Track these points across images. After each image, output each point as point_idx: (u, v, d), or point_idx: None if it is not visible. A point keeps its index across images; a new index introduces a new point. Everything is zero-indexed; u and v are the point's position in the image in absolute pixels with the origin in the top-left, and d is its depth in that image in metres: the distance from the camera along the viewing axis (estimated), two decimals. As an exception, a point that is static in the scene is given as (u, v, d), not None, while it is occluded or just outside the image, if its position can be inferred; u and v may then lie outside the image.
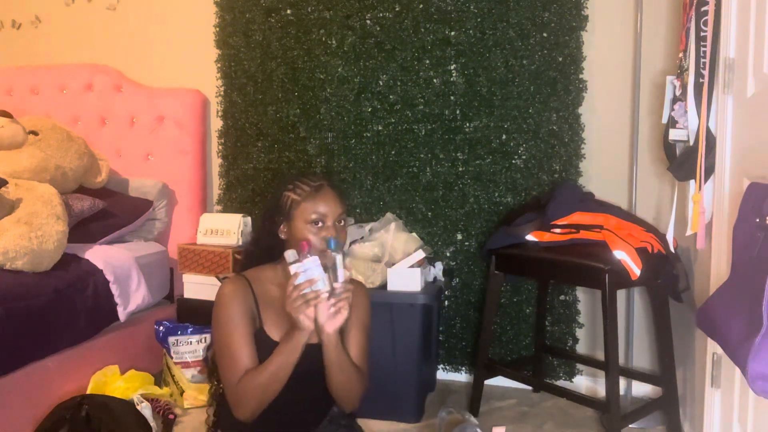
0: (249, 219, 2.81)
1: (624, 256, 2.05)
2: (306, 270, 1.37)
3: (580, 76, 2.57)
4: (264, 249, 1.59)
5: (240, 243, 2.72)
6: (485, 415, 2.43)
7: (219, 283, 2.52)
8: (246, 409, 1.42)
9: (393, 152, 2.78)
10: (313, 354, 1.47)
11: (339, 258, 1.39)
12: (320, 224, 1.48)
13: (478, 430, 1.50)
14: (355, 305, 1.49)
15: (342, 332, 1.49)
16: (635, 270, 2.03)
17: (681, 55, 1.98)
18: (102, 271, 2.46)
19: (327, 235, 1.46)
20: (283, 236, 1.53)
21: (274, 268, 1.57)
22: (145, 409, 2.16)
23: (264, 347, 1.47)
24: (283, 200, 1.52)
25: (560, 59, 2.56)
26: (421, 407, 2.47)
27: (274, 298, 1.52)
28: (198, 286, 2.65)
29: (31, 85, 3.24)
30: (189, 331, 2.55)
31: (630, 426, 2.29)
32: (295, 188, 1.52)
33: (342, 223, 1.52)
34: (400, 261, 2.42)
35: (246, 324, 1.46)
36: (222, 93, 3.02)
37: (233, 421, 1.48)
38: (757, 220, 1.27)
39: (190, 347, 2.53)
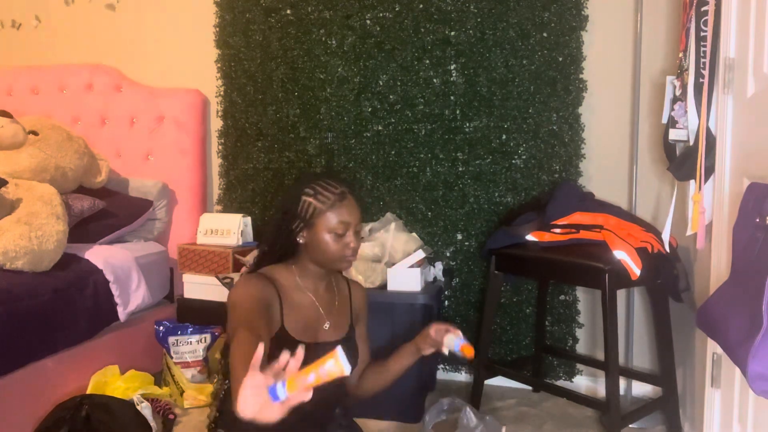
0: (249, 219, 2.81)
1: (624, 256, 2.05)
2: None
3: (580, 76, 2.57)
4: (280, 252, 1.55)
5: (240, 243, 2.72)
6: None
7: (219, 284, 2.54)
8: None
9: (393, 152, 2.78)
10: None
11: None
12: (342, 233, 1.47)
13: (468, 408, 1.52)
14: (360, 307, 1.66)
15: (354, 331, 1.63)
16: (635, 270, 2.03)
17: (681, 55, 1.98)
18: (102, 271, 2.46)
19: (350, 244, 1.47)
20: (301, 241, 1.50)
21: (288, 268, 1.55)
22: (145, 409, 2.16)
23: (288, 347, 1.45)
24: (303, 206, 1.47)
25: (560, 59, 2.56)
26: (420, 407, 2.47)
27: (294, 300, 1.51)
28: (198, 286, 2.66)
29: (31, 85, 3.24)
30: (189, 331, 2.55)
31: (630, 426, 2.29)
32: (316, 194, 1.48)
33: (360, 231, 1.53)
34: (400, 261, 2.42)
35: (264, 319, 1.39)
36: (222, 93, 3.02)
37: (236, 421, 1.47)
38: (757, 220, 1.27)
39: (190, 347, 2.53)
